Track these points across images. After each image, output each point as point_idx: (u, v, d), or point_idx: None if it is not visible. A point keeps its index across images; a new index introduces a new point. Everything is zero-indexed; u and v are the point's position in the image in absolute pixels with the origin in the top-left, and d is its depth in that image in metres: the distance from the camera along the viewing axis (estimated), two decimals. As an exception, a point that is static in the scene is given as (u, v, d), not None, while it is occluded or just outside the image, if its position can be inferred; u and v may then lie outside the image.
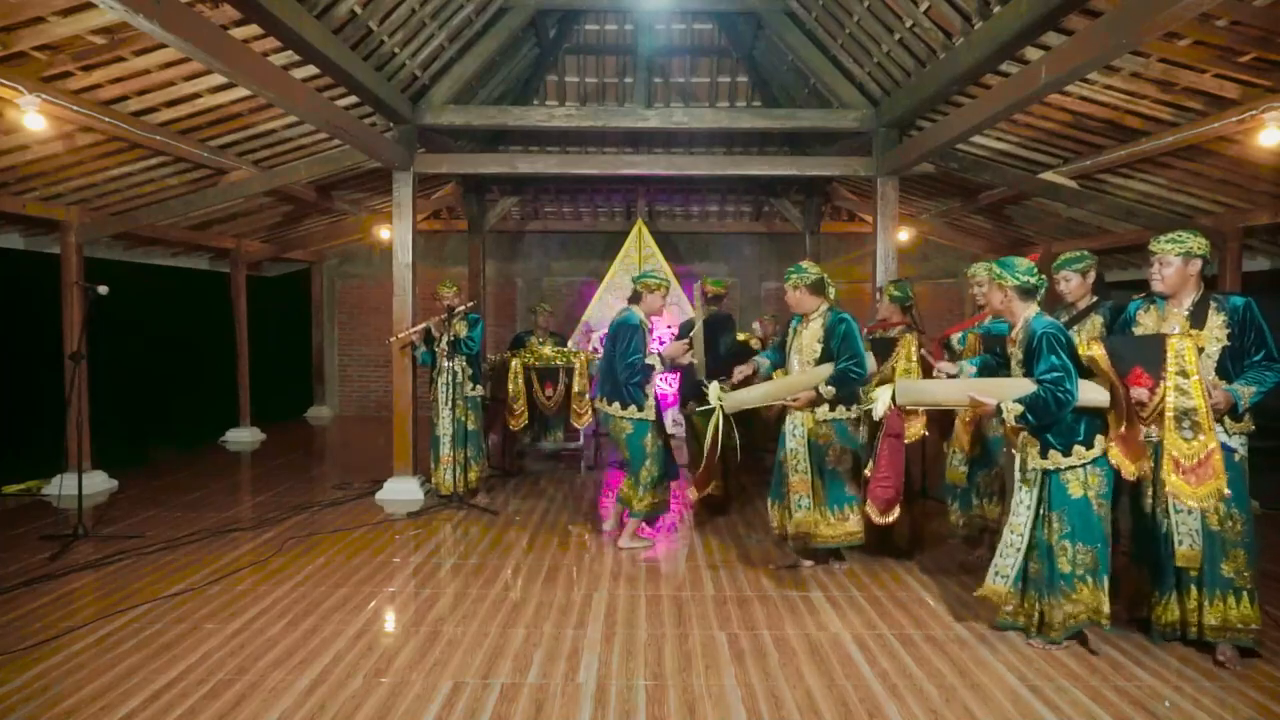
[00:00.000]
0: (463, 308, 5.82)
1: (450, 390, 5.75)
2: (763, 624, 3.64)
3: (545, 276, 10.86)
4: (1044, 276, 3.41)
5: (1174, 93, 4.53)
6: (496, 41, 6.25)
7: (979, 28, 4.37)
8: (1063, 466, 3.25)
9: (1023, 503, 3.37)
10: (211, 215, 7.53)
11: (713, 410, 4.40)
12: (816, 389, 4.06)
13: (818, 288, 4.24)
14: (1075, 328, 3.77)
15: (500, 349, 7.01)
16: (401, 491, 5.98)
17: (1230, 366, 3.21)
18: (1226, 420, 3.19)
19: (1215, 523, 3.18)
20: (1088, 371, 3.27)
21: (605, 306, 9.11)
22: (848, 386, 4.07)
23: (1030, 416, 3.18)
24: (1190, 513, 3.20)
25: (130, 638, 3.43)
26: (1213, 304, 3.25)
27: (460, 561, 4.55)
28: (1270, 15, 3.56)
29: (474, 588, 4.11)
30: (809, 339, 4.23)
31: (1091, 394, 3.23)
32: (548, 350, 6.89)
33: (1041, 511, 3.32)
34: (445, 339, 5.71)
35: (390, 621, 3.68)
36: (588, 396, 6.66)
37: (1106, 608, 3.20)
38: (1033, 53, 4.48)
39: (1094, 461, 3.23)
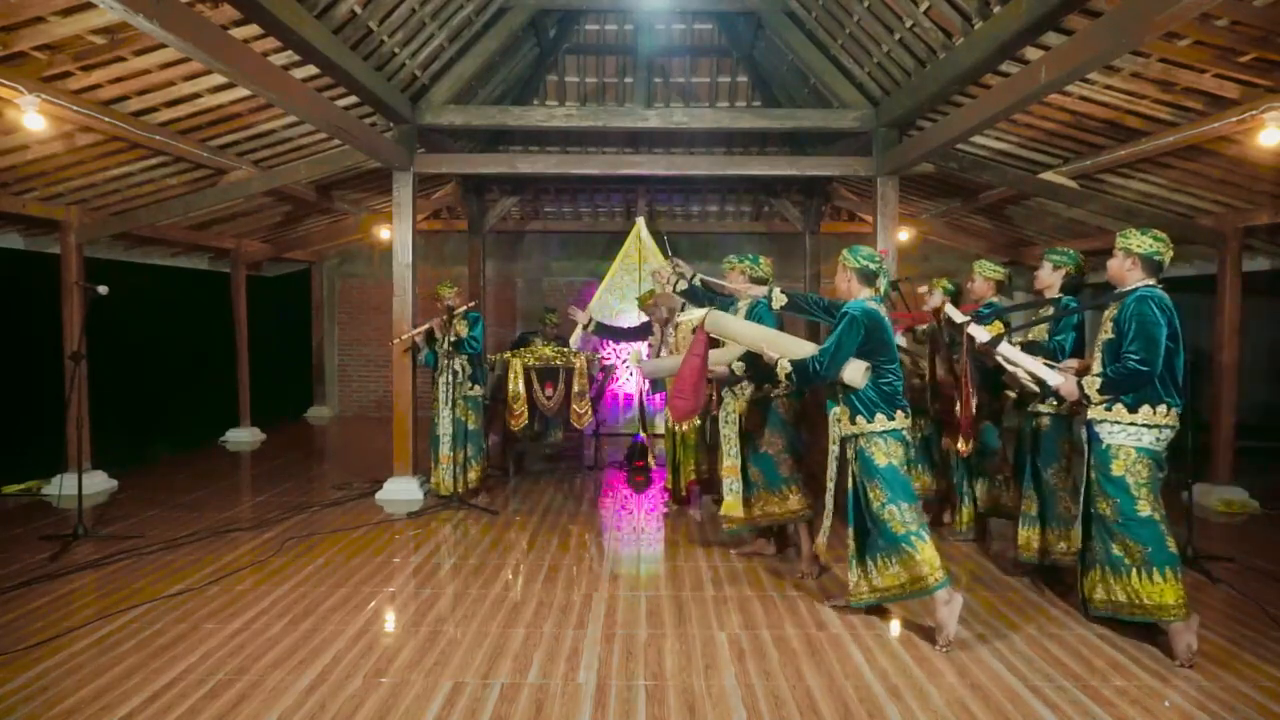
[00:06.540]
0: (464, 308, 5.82)
1: (450, 389, 5.75)
2: (763, 624, 3.64)
3: (545, 276, 10.85)
4: (884, 267, 3.65)
5: (1174, 93, 4.52)
6: (496, 41, 6.25)
7: (979, 28, 4.37)
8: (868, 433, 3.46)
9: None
10: (211, 215, 7.52)
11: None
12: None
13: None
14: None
15: (500, 349, 7.00)
16: (401, 491, 5.98)
17: (1109, 361, 3.36)
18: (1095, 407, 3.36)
19: (1104, 507, 3.36)
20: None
21: (605, 306, 9.11)
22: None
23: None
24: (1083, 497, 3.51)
25: (130, 638, 3.43)
26: (1116, 301, 3.45)
27: (460, 561, 4.55)
28: (1270, 15, 3.56)
29: (474, 588, 4.11)
30: None
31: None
32: (548, 350, 6.89)
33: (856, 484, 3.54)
34: (447, 340, 5.72)
35: (390, 621, 3.68)
36: (588, 397, 6.66)
37: (938, 560, 3.37)
38: (1033, 53, 4.48)
39: (893, 432, 3.46)
